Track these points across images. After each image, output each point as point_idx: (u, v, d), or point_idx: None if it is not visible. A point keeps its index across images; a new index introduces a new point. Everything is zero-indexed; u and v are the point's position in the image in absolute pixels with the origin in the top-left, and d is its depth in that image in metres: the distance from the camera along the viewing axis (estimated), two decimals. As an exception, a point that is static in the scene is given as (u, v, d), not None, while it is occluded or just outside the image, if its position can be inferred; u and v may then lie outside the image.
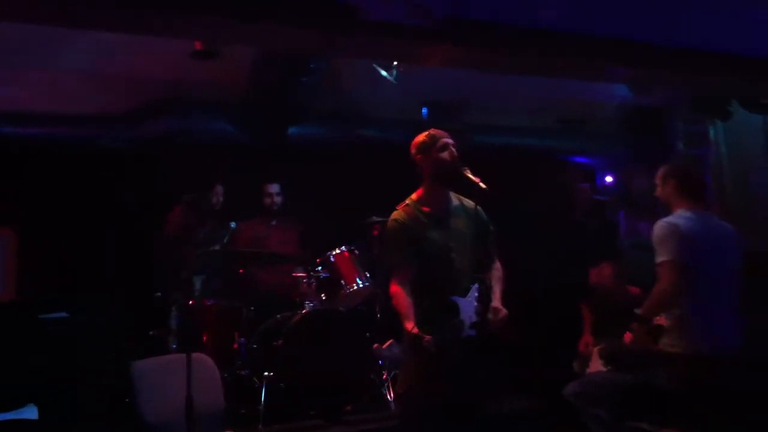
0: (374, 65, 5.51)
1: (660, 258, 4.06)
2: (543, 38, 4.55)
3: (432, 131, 3.98)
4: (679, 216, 4.17)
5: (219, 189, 5.95)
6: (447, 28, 4.22)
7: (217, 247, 5.72)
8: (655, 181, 4.38)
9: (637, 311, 4.16)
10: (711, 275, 4.11)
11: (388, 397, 5.33)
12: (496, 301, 3.88)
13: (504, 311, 3.83)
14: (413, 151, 3.98)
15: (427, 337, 3.62)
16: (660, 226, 4.12)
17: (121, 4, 3.75)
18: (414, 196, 4.01)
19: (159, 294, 5.54)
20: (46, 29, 4.62)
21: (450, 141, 3.94)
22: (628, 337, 4.31)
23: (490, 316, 3.82)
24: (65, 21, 4.13)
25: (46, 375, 4.92)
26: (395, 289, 3.83)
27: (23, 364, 4.93)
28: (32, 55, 5.21)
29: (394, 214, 3.98)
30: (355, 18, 3.99)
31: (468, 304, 3.85)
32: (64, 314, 5.27)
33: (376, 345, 3.86)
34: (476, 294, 3.88)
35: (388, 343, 3.80)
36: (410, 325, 3.69)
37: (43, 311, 5.32)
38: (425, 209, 3.94)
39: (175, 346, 5.28)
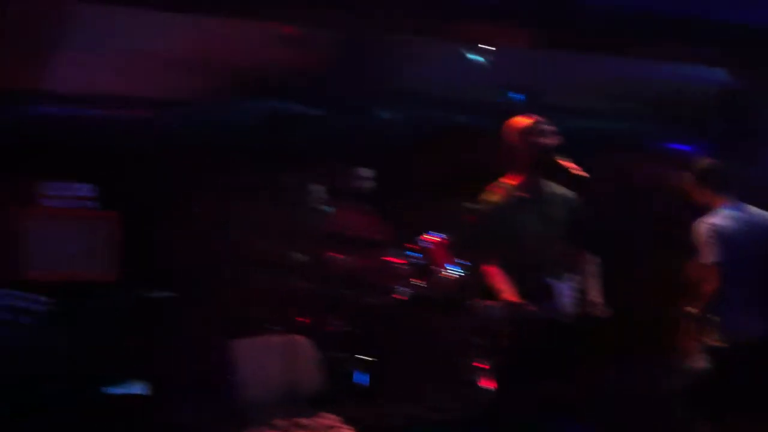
0: (464, 50, 5.49)
1: (706, 260, 4.14)
2: (630, 18, 4.48)
3: (534, 118, 3.96)
4: (718, 214, 4.22)
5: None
6: (527, 8, 4.20)
7: (311, 231, 5.82)
8: (686, 190, 4.43)
9: (690, 310, 4.23)
10: (747, 269, 4.19)
11: (480, 384, 5.34)
12: (596, 295, 3.87)
13: (604, 309, 3.83)
14: (512, 133, 3.97)
15: (531, 307, 3.66)
16: (702, 227, 4.18)
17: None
18: (508, 179, 4.02)
19: (259, 275, 5.67)
20: (127, 11, 4.77)
21: (551, 128, 3.93)
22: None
23: (588, 309, 3.82)
24: (163, 4, 4.26)
25: (151, 353, 5.09)
26: (489, 268, 3.88)
27: (131, 342, 5.10)
28: (120, 38, 5.34)
29: (487, 196, 4.01)
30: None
31: (562, 290, 3.85)
32: (169, 294, 5.43)
33: (483, 302, 3.96)
34: (571, 283, 3.87)
35: (494, 303, 3.86)
36: (510, 296, 3.73)
37: (148, 291, 5.50)
38: (519, 193, 3.95)
39: (275, 327, 5.39)
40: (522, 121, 3.98)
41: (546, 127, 3.94)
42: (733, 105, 6.86)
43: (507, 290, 3.80)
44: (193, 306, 5.49)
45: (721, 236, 4.15)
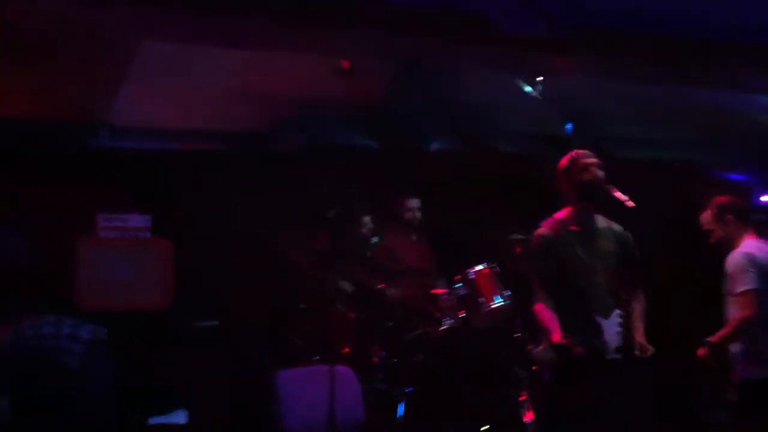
0: (518, 81, 5.47)
1: (741, 288, 4.22)
2: (675, 45, 4.45)
3: (574, 153, 3.93)
4: (751, 245, 4.34)
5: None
6: (574, 37, 4.19)
7: (359, 260, 5.86)
8: (706, 225, 4.50)
9: (710, 340, 4.31)
10: None
11: (525, 418, 5.25)
12: (640, 337, 3.81)
13: (651, 348, 3.79)
14: (558, 175, 3.96)
15: (578, 348, 3.61)
16: (737, 257, 4.29)
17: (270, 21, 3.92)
18: (560, 214, 4.01)
19: (303, 305, 5.71)
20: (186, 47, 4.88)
21: (593, 161, 3.90)
22: None
23: (637, 351, 3.75)
24: (216, 41, 4.36)
25: (196, 381, 5.14)
26: (538, 304, 3.87)
27: (176, 370, 5.17)
28: (173, 72, 5.47)
29: (540, 229, 4.00)
30: (489, 31, 4.02)
31: (611, 327, 3.81)
32: (215, 322, 5.50)
33: (531, 347, 3.96)
34: (619, 319, 3.81)
35: (542, 346, 3.85)
36: (557, 337, 3.71)
37: (196, 319, 5.57)
38: (572, 228, 3.93)
39: (318, 357, 5.41)
40: (564, 160, 3.96)
41: (588, 161, 3.90)
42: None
43: (554, 330, 3.76)
44: (240, 334, 5.54)
45: (757, 264, 4.25)
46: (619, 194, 3.86)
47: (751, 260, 4.25)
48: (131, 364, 4.85)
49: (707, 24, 4.33)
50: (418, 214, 6.15)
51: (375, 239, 6.03)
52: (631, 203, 3.81)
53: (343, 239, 5.88)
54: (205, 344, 5.38)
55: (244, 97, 5.94)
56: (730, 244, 4.40)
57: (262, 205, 6.33)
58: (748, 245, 4.34)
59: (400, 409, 5.11)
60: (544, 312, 3.82)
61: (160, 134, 6.30)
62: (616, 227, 4.02)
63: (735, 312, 4.28)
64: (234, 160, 6.48)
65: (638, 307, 3.94)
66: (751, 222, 4.45)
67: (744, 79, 5.03)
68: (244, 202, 6.36)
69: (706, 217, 4.52)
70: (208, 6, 4.65)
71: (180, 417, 4.47)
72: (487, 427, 5.18)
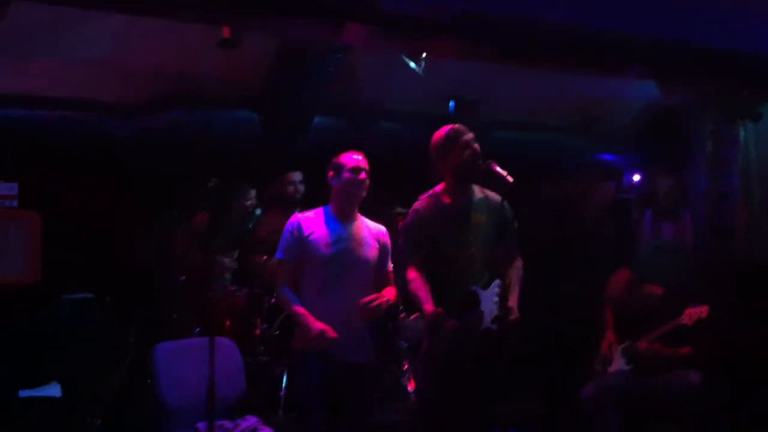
0: (402, 56, 5.50)
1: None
2: (558, 34, 4.52)
3: (451, 129, 3.95)
4: None
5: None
6: (460, 21, 4.21)
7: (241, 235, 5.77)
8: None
9: None
10: None
11: (408, 388, 5.33)
12: (512, 301, 3.88)
13: (517, 314, 3.84)
14: (432, 151, 3.98)
15: (449, 322, 3.65)
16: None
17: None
18: (438, 188, 4.03)
19: (183, 278, 5.58)
20: (61, 16, 4.65)
21: (470, 136, 3.93)
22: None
23: (501, 314, 3.82)
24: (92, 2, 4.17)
25: (69, 354, 4.95)
26: (412, 274, 3.87)
27: (47, 344, 4.97)
28: (46, 42, 5.23)
29: (416, 204, 4.02)
30: (370, 9, 3.99)
31: (489, 297, 3.86)
32: (88, 295, 5.30)
33: (402, 315, 3.93)
34: (497, 289, 3.88)
35: (415, 315, 3.85)
36: (430, 307, 3.73)
37: (67, 292, 5.35)
38: (447, 201, 3.95)
39: (198, 330, 5.31)
40: (440, 136, 3.98)
41: (466, 137, 3.93)
42: (664, 121, 7.04)
43: (426, 300, 3.78)
44: (115, 308, 5.36)
45: None
46: (499, 169, 3.90)
47: None
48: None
49: (587, 13, 4.43)
50: (301, 188, 6.11)
51: (258, 212, 5.95)
52: (510, 178, 3.86)
53: (226, 212, 5.78)
54: (79, 317, 5.17)
55: (119, 67, 5.73)
56: None
57: (138, 177, 6.14)
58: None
59: (283, 382, 5.08)
60: (416, 281, 3.84)
61: (32, 102, 5.98)
62: (493, 197, 4.02)
63: None
64: (107, 131, 6.23)
65: (514, 274, 4.01)
66: None
67: (620, 66, 5.19)
68: (120, 175, 6.14)
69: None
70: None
71: (54, 390, 4.27)
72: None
